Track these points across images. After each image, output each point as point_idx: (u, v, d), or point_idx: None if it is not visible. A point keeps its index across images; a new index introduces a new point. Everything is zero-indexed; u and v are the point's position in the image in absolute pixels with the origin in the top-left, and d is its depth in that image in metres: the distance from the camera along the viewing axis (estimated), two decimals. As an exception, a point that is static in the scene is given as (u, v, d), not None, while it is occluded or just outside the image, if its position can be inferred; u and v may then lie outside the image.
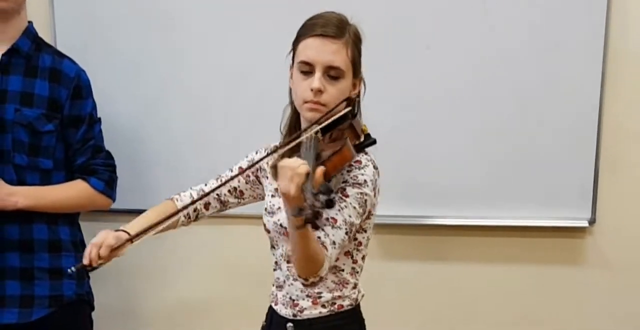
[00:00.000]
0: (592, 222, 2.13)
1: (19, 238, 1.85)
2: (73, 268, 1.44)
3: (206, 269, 2.42)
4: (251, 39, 2.17)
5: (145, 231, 1.51)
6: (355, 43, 1.53)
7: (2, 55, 1.83)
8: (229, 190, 1.69)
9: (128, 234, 1.51)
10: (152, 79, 2.24)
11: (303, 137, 1.47)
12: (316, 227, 1.36)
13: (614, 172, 2.16)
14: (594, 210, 2.13)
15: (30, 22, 1.90)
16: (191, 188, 1.70)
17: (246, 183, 1.69)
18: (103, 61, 2.14)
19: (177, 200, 1.69)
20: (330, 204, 1.25)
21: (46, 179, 1.88)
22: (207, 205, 1.69)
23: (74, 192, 1.91)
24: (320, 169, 1.35)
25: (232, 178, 1.60)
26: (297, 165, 1.29)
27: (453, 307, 2.32)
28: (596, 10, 2.07)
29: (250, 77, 2.20)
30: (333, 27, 1.49)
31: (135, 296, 2.46)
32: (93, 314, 2.08)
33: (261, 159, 1.57)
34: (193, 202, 1.61)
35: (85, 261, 1.45)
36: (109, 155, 1.97)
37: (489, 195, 2.17)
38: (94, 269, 1.47)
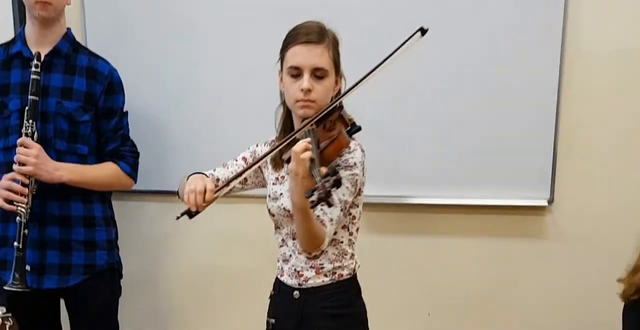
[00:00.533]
0: (550, 201, 2.27)
1: (59, 214, 2.02)
2: (179, 216, 1.56)
3: (223, 243, 2.50)
4: (258, 43, 2.29)
5: (233, 179, 1.66)
6: (335, 45, 1.68)
7: (45, 56, 1.99)
8: (234, 176, 1.79)
9: (207, 176, 1.68)
10: (173, 78, 2.38)
11: (301, 132, 1.59)
12: (329, 205, 1.44)
13: (570, 157, 2.27)
14: (552, 191, 2.26)
15: (68, 28, 2.08)
16: (207, 173, 1.80)
17: (247, 169, 1.79)
18: (128, 62, 2.26)
19: (210, 175, 1.79)
20: (338, 184, 1.40)
21: (82, 163, 2.04)
22: (216, 187, 1.79)
23: (106, 172, 2.09)
24: (322, 155, 1.50)
25: (245, 170, 1.68)
26: (303, 147, 1.45)
27: (430, 274, 2.44)
28: (555, 11, 2.19)
29: (256, 76, 2.30)
30: (315, 34, 1.63)
31: (159, 266, 2.56)
32: (121, 281, 2.24)
33: (266, 154, 1.66)
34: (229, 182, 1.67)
35: (193, 208, 1.56)
36: (133, 144, 2.17)
37: (461, 177, 2.31)
38: (197, 213, 1.57)
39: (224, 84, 2.36)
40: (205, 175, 1.74)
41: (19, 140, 1.92)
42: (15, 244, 1.89)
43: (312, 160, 1.44)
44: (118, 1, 2.37)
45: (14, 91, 1.98)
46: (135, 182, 2.16)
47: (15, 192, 1.90)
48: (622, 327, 1.75)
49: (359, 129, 1.61)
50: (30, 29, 2.00)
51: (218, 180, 1.79)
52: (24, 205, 1.91)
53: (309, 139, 1.53)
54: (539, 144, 2.25)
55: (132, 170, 2.12)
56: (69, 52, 2.02)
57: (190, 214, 1.57)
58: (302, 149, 1.45)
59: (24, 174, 1.93)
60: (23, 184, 1.91)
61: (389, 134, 2.31)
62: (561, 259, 2.33)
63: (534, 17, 2.20)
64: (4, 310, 1.74)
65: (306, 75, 1.61)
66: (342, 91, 1.70)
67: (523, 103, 2.24)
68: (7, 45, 2.06)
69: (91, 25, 2.38)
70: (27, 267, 2.00)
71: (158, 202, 2.49)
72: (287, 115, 1.74)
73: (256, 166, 1.76)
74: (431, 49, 2.22)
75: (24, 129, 1.92)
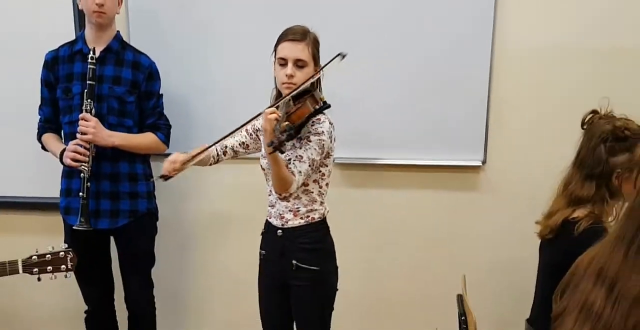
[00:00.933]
0: (484, 162, 2.52)
1: (110, 171, 2.30)
2: (154, 178, 1.84)
3: (232, 193, 2.72)
4: (258, 43, 2.33)
5: (198, 154, 1.91)
6: (315, 44, 1.92)
7: (100, 52, 2.25)
8: (239, 144, 2.08)
9: (190, 154, 1.91)
10: (196, 68, 2.61)
11: (280, 102, 1.83)
12: (282, 152, 1.73)
13: (498, 129, 2.51)
14: (485, 154, 2.51)
15: (118, 31, 2.35)
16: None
17: (250, 139, 2.07)
18: (163, 56, 2.46)
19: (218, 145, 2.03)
20: (289, 138, 1.66)
21: (128, 132, 2.31)
22: (225, 153, 2.08)
23: (146, 139, 2.34)
24: (287, 120, 1.75)
25: (235, 130, 1.90)
26: (270, 111, 1.71)
27: (390, 218, 2.65)
28: (486, 15, 2.41)
29: (257, 67, 2.34)
30: (299, 34, 1.88)
31: (185, 211, 2.80)
32: (157, 223, 2.50)
33: (253, 118, 1.87)
34: (216, 143, 1.94)
35: (165, 173, 1.84)
36: (167, 119, 2.43)
37: (415, 144, 2.53)
38: (169, 178, 1.84)
39: (233, 72, 2.58)
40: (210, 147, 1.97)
41: (81, 115, 2.18)
42: (81, 194, 2.16)
43: (277, 120, 1.70)
44: (156, 11, 2.59)
45: (76, 78, 2.25)
46: (168, 147, 2.40)
47: (80, 154, 2.17)
48: (538, 258, 1.88)
49: (329, 106, 1.84)
50: (88, 32, 2.27)
51: (226, 147, 2.06)
52: (86, 165, 2.17)
53: (278, 106, 1.79)
54: (475, 119, 2.48)
55: (166, 139, 2.39)
56: (118, 49, 2.29)
57: (164, 177, 1.84)
58: (270, 111, 1.72)
59: (85, 141, 2.18)
60: (85, 148, 2.18)
61: (362, 110, 2.49)
62: (492, 206, 2.58)
63: (469, 20, 2.42)
64: (66, 245, 1.94)
65: (290, 64, 1.86)
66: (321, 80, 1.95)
67: (463, 86, 2.46)
68: (72, 43, 2.32)
69: (134, 29, 2.58)
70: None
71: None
72: (278, 94, 1.99)
73: (246, 134, 2.04)
74: (392, 47, 2.48)
75: (84, 106, 2.18)
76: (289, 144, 1.81)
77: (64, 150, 2.23)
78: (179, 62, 2.59)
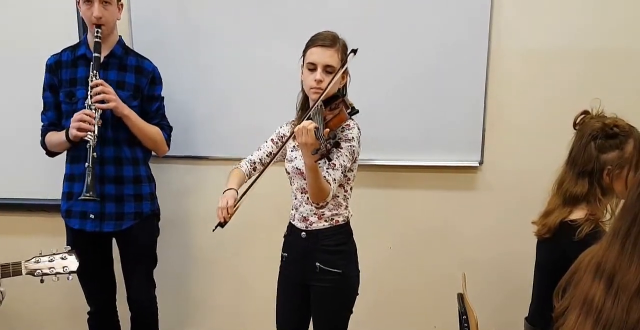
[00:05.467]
0: (480, 163, 2.57)
1: (114, 175, 2.30)
2: (214, 229, 1.85)
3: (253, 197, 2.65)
4: (255, 48, 2.57)
5: (240, 186, 1.94)
6: (343, 50, 1.92)
7: (104, 57, 2.26)
8: (266, 155, 2.07)
9: (235, 190, 1.92)
10: (196, 73, 2.62)
11: (312, 109, 1.82)
12: (329, 159, 1.72)
13: (494, 131, 2.56)
14: (482, 155, 2.56)
15: (120, 36, 2.36)
16: (247, 159, 2.08)
17: (276, 147, 2.07)
18: (164, 61, 2.47)
19: (240, 167, 2.06)
20: (337, 144, 1.67)
21: (132, 136, 2.29)
22: (254, 168, 2.07)
23: (154, 128, 2.35)
24: (327, 126, 1.76)
25: (274, 156, 1.96)
26: (308, 123, 1.71)
27: (386, 218, 2.69)
28: (482, 14, 2.45)
29: (254, 72, 2.59)
30: (328, 40, 1.89)
31: (184, 210, 2.79)
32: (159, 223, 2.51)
33: (288, 138, 1.93)
34: (254, 181, 1.91)
35: (222, 220, 1.85)
36: (168, 121, 2.45)
37: (416, 146, 2.57)
38: (226, 223, 1.86)
39: (232, 77, 2.63)
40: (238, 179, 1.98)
41: (95, 82, 2.13)
42: (86, 164, 2.10)
43: (317, 128, 1.69)
44: (158, 16, 2.61)
45: (80, 83, 2.25)
46: (169, 148, 2.44)
47: (85, 122, 2.12)
48: (535, 257, 1.90)
49: (357, 111, 1.86)
50: (91, 37, 2.26)
51: (255, 162, 2.06)
52: (91, 134, 2.12)
53: (314, 116, 1.76)
54: (472, 121, 2.52)
55: (168, 138, 2.41)
56: (122, 54, 2.31)
57: (222, 224, 1.85)
58: (307, 123, 1.70)
59: (105, 109, 2.14)
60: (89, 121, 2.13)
61: (366, 115, 2.30)
62: (489, 206, 2.63)
63: (466, 23, 2.46)
64: (69, 248, 1.96)
65: (319, 70, 1.87)
66: (348, 85, 1.99)
67: (460, 89, 2.50)
68: (74, 48, 2.33)
69: (137, 35, 2.61)
70: (91, 216, 2.28)
71: (184, 164, 2.75)
72: (305, 99, 2.00)
73: (273, 145, 2.04)
74: (389, 49, 2.51)
75: (87, 101, 2.15)
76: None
77: (68, 128, 2.20)
78: (179, 66, 2.62)
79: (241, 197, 1.89)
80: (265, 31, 2.58)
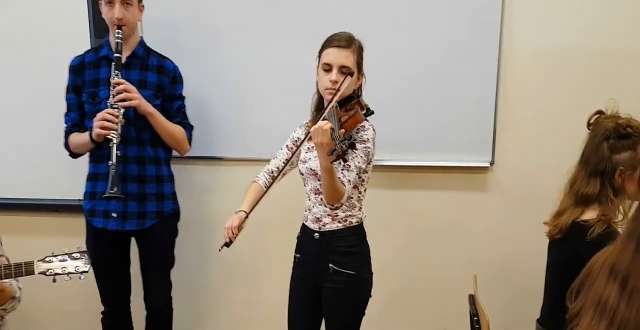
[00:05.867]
0: (492, 163, 2.58)
1: (137, 174, 2.33)
2: (220, 248, 1.89)
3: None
4: (269, 50, 2.60)
5: (254, 207, 1.96)
6: (359, 51, 1.93)
7: (126, 58, 2.30)
8: (284, 162, 2.07)
9: (245, 212, 1.94)
10: (215, 73, 2.64)
11: (327, 110, 1.81)
12: (344, 161, 1.70)
13: (505, 131, 2.56)
14: (493, 156, 2.57)
15: (141, 37, 2.39)
16: (265, 168, 2.09)
17: (291, 152, 2.07)
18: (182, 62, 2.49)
19: (257, 180, 2.08)
20: (352, 146, 1.67)
21: (155, 135, 2.32)
22: (274, 177, 2.06)
23: (176, 127, 2.37)
24: (342, 127, 1.76)
25: (290, 160, 1.98)
26: (324, 123, 1.71)
27: (396, 219, 2.69)
28: (492, 13, 2.44)
29: (269, 74, 2.61)
30: (344, 41, 1.89)
31: (201, 211, 2.79)
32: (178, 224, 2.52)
33: (303, 140, 1.94)
34: (264, 194, 1.97)
35: (228, 240, 1.89)
36: (189, 121, 2.46)
37: (427, 146, 2.57)
38: (232, 243, 1.90)
39: (245, 77, 2.65)
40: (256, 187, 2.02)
41: (117, 80, 2.16)
42: (110, 162, 2.13)
43: (332, 129, 1.69)
44: (169, 16, 2.63)
45: (103, 84, 2.28)
46: (190, 147, 2.44)
47: (108, 121, 2.14)
48: (547, 257, 1.88)
49: (372, 112, 1.87)
50: (112, 38, 2.27)
51: (272, 171, 2.06)
52: (115, 132, 2.15)
53: (329, 117, 1.76)
54: (483, 121, 2.54)
55: (190, 137, 2.43)
56: (143, 54, 2.34)
57: (227, 244, 1.90)
58: (323, 123, 1.71)
59: (126, 107, 2.17)
60: (113, 116, 2.16)
61: (376, 115, 2.29)
62: (500, 207, 2.63)
63: (477, 23, 2.46)
64: (82, 248, 1.94)
65: (335, 70, 1.86)
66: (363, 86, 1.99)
67: (471, 88, 2.51)
68: (97, 49, 2.36)
69: (148, 34, 2.54)
70: (114, 214, 2.30)
71: (199, 165, 2.77)
72: (320, 99, 2.00)
73: (290, 152, 2.04)
74: (399, 48, 2.51)
75: (110, 100, 2.18)
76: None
77: (92, 128, 2.22)
78: (191, 66, 2.61)
79: (248, 214, 1.94)
80: (279, 31, 2.59)
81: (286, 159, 2.05)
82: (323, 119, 1.78)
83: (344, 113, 1.85)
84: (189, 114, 2.51)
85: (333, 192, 1.79)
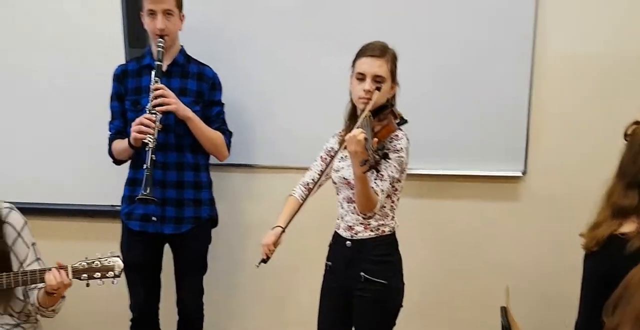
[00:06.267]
0: (524, 173, 2.54)
1: (176, 180, 2.37)
2: (257, 264, 1.94)
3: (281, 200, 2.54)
4: (296, 57, 2.61)
5: (290, 221, 1.99)
6: (393, 60, 1.93)
7: (167, 66, 2.35)
8: (318, 174, 2.09)
9: (281, 227, 1.98)
10: (252, 82, 2.67)
11: (361, 120, 1.80)
12: (377, 171, 1.71)
13: (538, 140, 2.53)
14: (525, 165, 2.53)
15: (182, 46, 2.43)
16: (301, 181, 2.10)
17: (325, 163, 2.09)
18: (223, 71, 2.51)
19: (294, 193, 2.10)
20: (386, 156, 1.66)
21: (195, 141, 2.35)
22: (310, 189, 2.08)
23: (216, 133, 2.39)
24: (375, 137, 1.75)
25: (326, 171, 2.00)
26: (358, 133, 1.71)
27: (426, 229, 2.67)
28: (526, 17, 2.40)
29: (296, 81, 2.63)
30: (378, 50, 1.90)
31: (234, 217, 2.79)
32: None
33: (338, 150, 1.97)
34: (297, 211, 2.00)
35: (265, 257, 1.94)
36: (228, 127, 2.47)
37: (454, 154, 2.55)
38: (269, 259, 1.95)
39: (278, 85, 2.65)
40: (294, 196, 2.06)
41: (156, 86, 2.20)
42: (145, 165, 2.16)
43: (365, 139, 1.69)
44: (202, 25, 2.64)
45: (145, 91, 2.31)
46: (229, 153, 2.46)
47: (145, 126, 2.18)
48: (583, 270, 1.80)
49: (406, 121, 1.88)
50: (154, 48, 2.31)
51: (308, 183, 2.08)
52: (151, 137, 2.18)
53: (363, 127, 1.76)
54: (515, 129, 2.51)
55: (229, 143, 2.45)
56: (184, 63, 2.39)
57: (264, 260, 1.95)
58: (358, 132, 1.71)
59: (164, 112, 2.20)
60: (151, 121, 2.19)
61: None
62: (533, 218, 2.59)
63: (511, 24, 2.43)
64: (115, 253, 1.95)
65: (368, 80, 1.88)
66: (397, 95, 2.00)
67: (502, 94, 2.48)
68: (139, 59, 2.41)
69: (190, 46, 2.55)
70: (153, 218, 2.34)
71: (238, 173, 2.78)
72: (353, 109, 2.00)
73: (324, 163, 2.06)
74: (429, 53, 2.49)
75: (148, 105, 2.21)
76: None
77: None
78: (225, 74, 2.60)
79: (285, 229, 1.97)
80: (312, 38, 2.60)
81: (321, 171, 2.06)
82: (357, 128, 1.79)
83: (377, 123, 1.85)
84: (232, 119, 2.54)
85: (366, 201, 1.80)
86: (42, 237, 2.15)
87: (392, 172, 1.85)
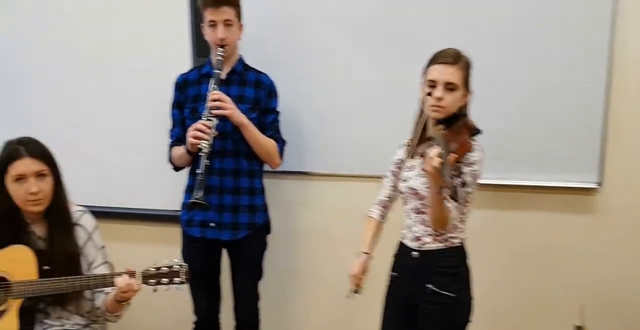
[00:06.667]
0: (599, 184, 2.41)
1: (232, 186, 2.39)
2: (348, 295, 2.00)
3: (337, 207, 2.69)
4: (356, 67, 2.58)
5: (373, 245, 2.02)
6: (466, 68, 1.89)
7: (226, 74, 2.38)
8: (392, 189, 2.07)
9: (366, 253, 2.02)
10: (306, 89, 2.66)
11: (436, 136, 1.77)
12: (455, 200, 1.69)
13: (615, 150, 2.41)
14: (601, 175, 2.40)
15: (241, 55, 2.46)
16: (376, 200, 2.10)
17: (394, 176, 2.06)
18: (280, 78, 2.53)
19: (372, 214, 2.09)
20: (464, 185, 1.67)
21: (250, 148, 2.36)
22: (385, 206, 2.10)
23: (269, 141, 2.41)
24: (452, 157, 1.70)
25: (394, 193, 2.01)
26: (435, 154, 1.67)
27: (494, 241, 2.56)
28: (602, 16, 2.28)
29: (357, 90, 2.59)
30: (451, 57, 1.85)
31: (288, 224, 2.80)
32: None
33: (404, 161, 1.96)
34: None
35: (357, 288, 2.01)
36: (281, 135, 2.47)
37: (525, 164, 2.45)
38: (360, 288, 2.01)
39: (337, 91, 2.65)
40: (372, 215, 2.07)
41: (214, 92, 2.24)
42: (198, 170, 2.19)
43: (442, 164, 1.65)
44: (261, 35, 2.67)
45: (203, 99, 2.33)
46: (282, 162, 2.47)
47: (200, 131, 2.21)
48: None
49: (480, 132, 1.83)
50: (214, 56, 2.35)
51: (384, 201, 2.08)
52: (206, 142, 2.20)
53: (440, 148, 1.71)
54: (590, 138, 2.38)
55: (282, 151, 2.46)
56: (242, 71, 2.43)
57: (356, 291, 1.99)
58: (435, 154, 1.67)
59: (218, 115, 2.23)
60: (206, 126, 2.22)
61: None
62: (608, 230, 2.47)
63: (586, 25, 2.32)
64: (177, 261, 1.97)
65: (439, 87, 1.84)
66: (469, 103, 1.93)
67: (576, 104, 2.37)
68: (200, 68, 2.47)
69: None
70: (212, 224, 2.39)
71: (291, 180, 2.77)
72: (421, 115, 1.95)
73: (394, 177, 2.04)
74: (500, 66, 2.43)
75: (204, 111, 2.25)
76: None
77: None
78: (281, 79, 2.60)
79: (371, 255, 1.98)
80: (374, 44, 2.57)
81: (393, 186, 2.04)
82: (430, 141, 1.77)
83: (452, 137, 1.79)
84: (285, 126, 2.55)
85: (441, 219, 1.80)
86: (109, 240, 2.19)
87: (467, 190, 1.83)
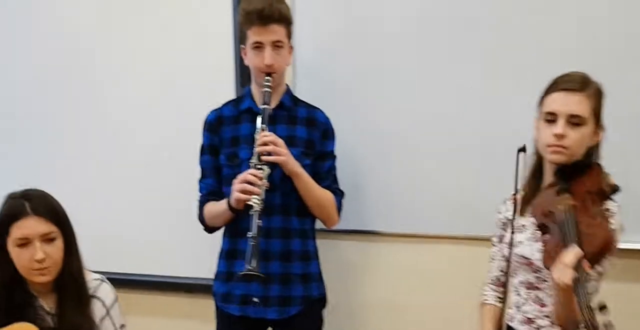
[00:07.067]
0: None
1: (281, 250, 2.08)
2: None
3: (406, 276, 2.44)
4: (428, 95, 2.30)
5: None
6: (597, 97, 1.62)
7: (272, 109, 2.06)
8: (506, 261, 1.73)
9: (496, 281, 1.77)
10: (371, 127, 2.38)
11: (559, 213, 1.48)
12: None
13: None
14: None
15: (287, 85, 2.17)
16: (488, 280, 1.83)
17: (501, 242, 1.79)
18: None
19: (487, 300, 1.82)
20: (603, 307, 1.33)
21: (303, 201, 2.09)
22: (504, 285, 1.75)
23: (326, 194, 2.13)
24: (587, 266, 1.38)
25: (509, 264, 1.66)
26: (569, 264, 1.38)
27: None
28: None
29: (430, 125, 2.31)
30: (576, 83, 1.60)
31: (350, 296, 2.54)
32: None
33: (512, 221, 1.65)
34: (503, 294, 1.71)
35: None
36: (339, 185, 2.20)
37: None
38: None
39: (415, 131, 2.33)
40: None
41: (265, 133, 1.97)
42: (249, 233, 1.90)
43: (577, 280, 1.36)
44: (319, 58, 2.43)
45: (244, 142, 2.07)
46: (339, 219, 2.18)
47: (250, 184, 1.93)
48: None
49: (618, 189, 1.55)
50: (256, 88, 2.11)
51: (498, 279, 1.80)
52: (257, 198, 1.92)
53: (561, 224, 1.46)
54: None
55: (340, 206, 2.18)
56: (290, 105, 2.14)
57: None
58: (570, 262, 1.38)
59: (271, 162, 1.97)
60: (257, 177, 1.94)
61: None
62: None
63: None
64: None
65: (561, 121, 1.58)
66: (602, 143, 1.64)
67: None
68: (237, 101, 2.18)
69: (300, 80, 2.42)
70: (255, 299, 2.07)
71: (352, 240, 2.50)
72: (538, 162, 1.70)
73: (503, 245, 1.76)
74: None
75: (253, 159, 1.98)
76: None
77: (230, 193, 2.01)
78: (338, 115, 2.33)
79: None
80: (458, 71, 2.26)
81: (505, 256, 1.73)
82: (553, 227, 1.50)
83: (584, 215, 1.48)
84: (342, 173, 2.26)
85: (567, 313, 1.46)
86: (129, 314, 1.95)
87: (600, 267, 1.54)
